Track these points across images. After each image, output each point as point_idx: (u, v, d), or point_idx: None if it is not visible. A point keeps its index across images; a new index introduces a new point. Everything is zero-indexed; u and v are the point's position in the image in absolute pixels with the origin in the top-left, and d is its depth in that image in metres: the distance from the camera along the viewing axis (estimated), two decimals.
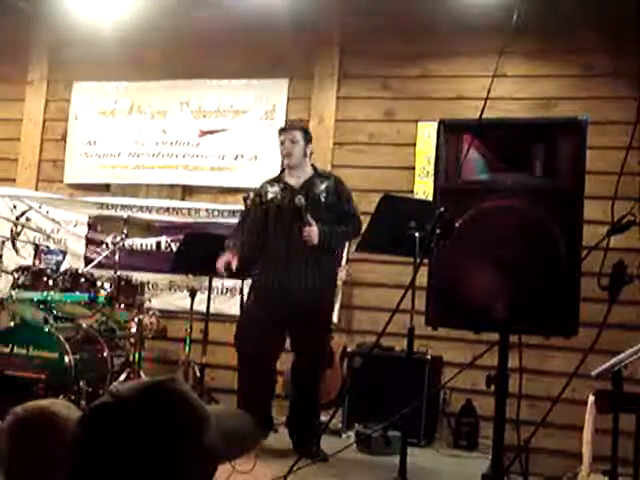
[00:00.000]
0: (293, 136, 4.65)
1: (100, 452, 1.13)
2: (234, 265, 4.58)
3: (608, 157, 4.70)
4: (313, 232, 4.43)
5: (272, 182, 4.74)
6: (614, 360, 3.26)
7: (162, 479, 1.13)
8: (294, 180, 4.66)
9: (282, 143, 4.67)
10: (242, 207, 5.43)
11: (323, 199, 4.59)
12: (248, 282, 5.40)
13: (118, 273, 5.35)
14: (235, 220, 5.96)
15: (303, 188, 4.60)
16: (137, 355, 5.18)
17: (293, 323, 4.51)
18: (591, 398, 3.72)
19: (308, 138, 4.71)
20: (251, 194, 4.75)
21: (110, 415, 1.16)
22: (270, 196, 4.64)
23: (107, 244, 5.88)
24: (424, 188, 5.63)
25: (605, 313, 2.60)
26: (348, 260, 5.71)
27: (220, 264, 4.60)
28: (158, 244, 6.25)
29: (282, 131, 4.75)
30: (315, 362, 4.57)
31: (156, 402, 1.16)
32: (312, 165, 4.76)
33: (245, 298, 4.78)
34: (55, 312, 5.10)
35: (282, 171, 4.82)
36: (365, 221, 4.53)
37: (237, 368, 4.70)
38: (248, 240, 4.64)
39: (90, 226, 6.40)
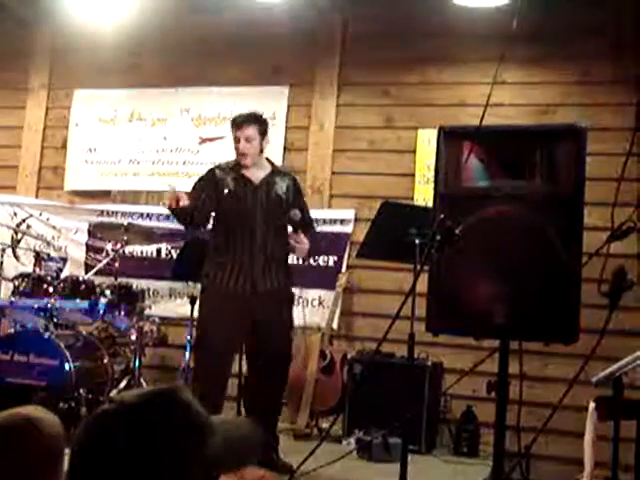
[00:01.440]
0: (248, 135, 4.33)
1: (102, 459, 1.13)
2: (183, 202, 4.15)
3: (607, 163, 4.71)
4: (305, 249, 4.36)
5: (227, 170, 4.44)
6: (614, 367, 3.26)
7: None
8: (252, 174, 4.41)
9: (236, 140, 4.36)
10: None
11: (284, 197, 4.40)
12: None
13: (118, 280, 5.36)
14: None
15: (263, 185, 4.39)
16: (137, 362, 5.18)
17: (259, 323, 4.30)
18: (592, 405, 3.72)
19: (263, 129, 4.41)
20: (204, 176, 4.50)
21: (113, 422, 1.16)
22: (227, 190, 4.35)
23: (107, 251, 5.88)
24: (424, 195, 5.64)
25: (605, 319, 2.61)
26: (348, 267, 5.72)
27: (170, 199, 4.21)
28: (158, 251, 6.26)
29: (235, 126, 4.39)
30: (281, 363, 4.37)
31: (159, 410, 1.17)
32: (267, 159, 4.54)
33: (200, 300, 4.52)
34: (55, 319, 5.09)
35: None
36: (366, 228, 4.53)
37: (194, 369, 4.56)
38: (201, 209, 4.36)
39: (90, 233, 6.40)
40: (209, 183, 4.44)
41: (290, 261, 4.70)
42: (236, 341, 4.47)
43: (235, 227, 4.34)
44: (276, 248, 4.36)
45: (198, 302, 4.58)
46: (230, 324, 4.26)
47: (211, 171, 4.52)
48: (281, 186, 4.43)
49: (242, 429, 1.42)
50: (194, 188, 4.50)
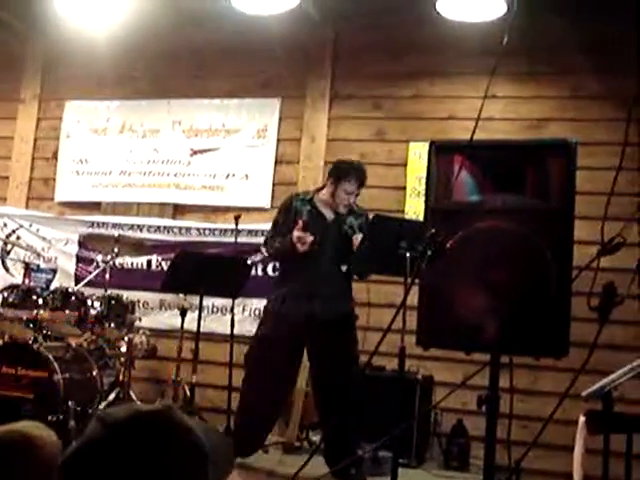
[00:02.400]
0: (357, 192, 4.56)
1: None
2: (309, 239, 4.42)
3: (597, 178, 4.74)
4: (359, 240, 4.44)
5: (304, 201, 4.63)
6: (604, 381, 3.27)
7: None
8: (326, 210, 4.62)
9: (345, 191, 4.51)
10: (232, 226, 5.45)
11: (351, 235, 4.55)
12: (238, 302, 5.42)
13: (108, 292, 5.34)
14: (226, 239, 6.00)
15: (335, 222, 4.59)
16: (127, 374, 5.16)
17: (319, 346, 4.52)
18: (582, 419, 3.72)
19: None
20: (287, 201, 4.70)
21: (105, 450, 1.11)
22: (301, 221, 4.49)
23: (98, 262, 5.87)
24: (415, 208, 5.65)
25: (596, 334, 2.61)
26: None
27: (304, 239, 4.41)
28: (149, 263, 6.25)
29: (360, 184, 4.55)
30: (346, 381, 4.44)
31: (158, 437, 1.12)
32: None
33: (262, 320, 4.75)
34: (44, 331, 5.06)
35: (317, 190, 4.74)
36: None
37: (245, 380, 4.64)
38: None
39: (81, 244, 6.39)
40: (287, 214, 4.62)
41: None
42: (288, 367, 4.58)
43: (302, 258, 4.45)
44: (340, 280, 4.57)
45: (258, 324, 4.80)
46: (283, 349, 4.45)
47: (289, 199, 4.71)
48: (352, 224, 4.58)
49: (220, 440, 1.39)
50: (277, 222, 4.68)
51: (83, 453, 1.13)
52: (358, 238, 4.45)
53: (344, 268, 4.63)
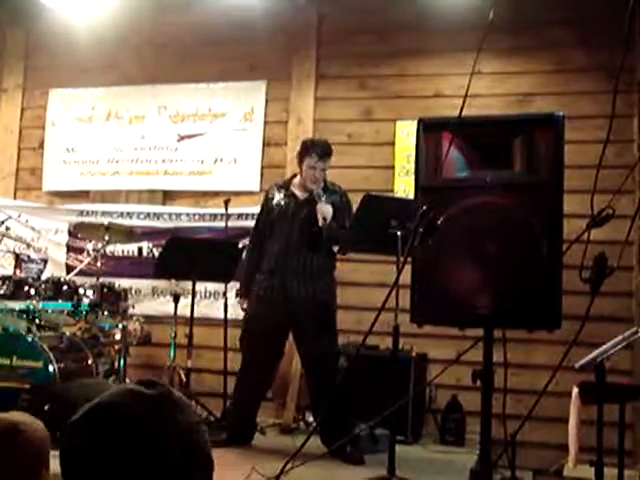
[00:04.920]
0: (326, 167, 4.64)
1: (99, 457, 1.10)
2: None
3: (584, 151, 4.75)
4: (324, 210, 4.47)
5: (280, 188, 4.77)
6: (597, 352, 3.30)
7: None
8: (300, 191, 4.68)
9: (312, 167, 4.59)
10: (222, 210, 5.50)
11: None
12: (230, 286, 5.43)
13: (100, 280, 5.33)
14: (216, 224, 6.00)
15: (307, 201, 4.62)
16: (122, 361, 5.16)
17: (297, 327, 4.58)
18: (575, 390, 3.76)
19: None
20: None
21: (107, 417, 1.12)
22: (274, 202, 4.68)
23: (88, 251, 5.85)
24: (404, 187, 5.66)
25: (588, 305, 2.64)
26: None
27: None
28: (140, 250, 6.23)
29: (317, 156, 4.60)
30: (328, 362, 4.56)
31: (158, 405, 1.14)
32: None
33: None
34: (38, 321, 5.06)
35: (293, 176, 4.84)
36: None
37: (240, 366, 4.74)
38: (249, 260, 4.84)
39: (70, 233, 6.36)
40: (265, 206, 4.79)
41: None
42: (272, 344, 4.63)
43: (275, 239, 4.62)
44: (313, 258, 4.58)
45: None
46: (267, 327, 4.54)
47: (267, 191, 4.89)
48: (328, 201, 4.59)
49: None
50: (258, 222, 4.85)
51: (82, 422, 1.13)
52: (323, 208, 4.47)
53: (336, 249, 4.64)
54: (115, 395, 1.16)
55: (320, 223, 4.47)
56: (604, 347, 3.28)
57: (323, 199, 4.53)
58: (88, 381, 4.62)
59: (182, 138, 6.35)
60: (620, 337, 3.38)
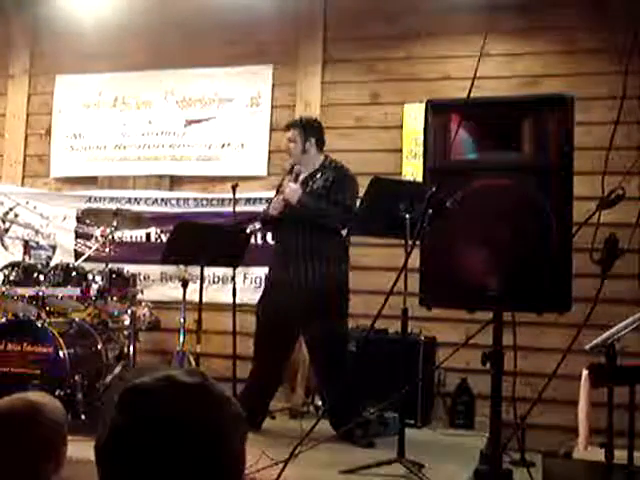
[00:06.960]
0: (289, 137, 4.75)
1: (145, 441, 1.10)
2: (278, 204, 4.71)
3: (594, 132, 4.72)
4: (291, 193, 4.54)
5: (291, 170, 4.80)
6: (607, 334, 3.29)
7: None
8: (302, 173, 4.73)
9: (289, 140, 4.76)
10: (230, 195, 5.49)
11: (324, 192, 4.61)
12: (239, 271, 5.43)
13: (109, 266, 5.33)
14: (224, 209, 6.00)
15: (305, 181, 4.66)
16: (131, 347, 5.18)
17: (305, 311, 4.54)
18: (585, 372, 3.75)
19: (308, 133, 4.73)
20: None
21: (140, 402, 1.13)
22: (284, 184, 4.73)
23: (97, 237, 5.85)
24: (412, 170, 5.64)
25: (599, 287, 2.62)
26: None
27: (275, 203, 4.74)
28: (148, 235, 6.24)
29: (287, 129, 4.81)
30: (335, 347, 4.55)
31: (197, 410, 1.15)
32: (325, 156, 4.79)
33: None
34: (47, 307, 5.07)
35: None
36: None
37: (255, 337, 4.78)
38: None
39: (79, 220, 6.37)
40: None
41: None
42: (283, 335, 4.64)
43: (281, 220, 4.69)
44: (318, 240, 4.58)
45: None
46: (279, 310, 4.56)
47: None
48: (322, 179, 4.64)
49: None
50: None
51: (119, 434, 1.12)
52: (286, 190, 4.58)
53: (344, 232, 4.64)
54: (154, 380, 1.15)
55: (278, 205, 4.60)
56: (614, 329, 3.27)
57: (301, 177, 4.64)
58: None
59: (189, 123, 6.33)
60: (630, 319, 3.37)
